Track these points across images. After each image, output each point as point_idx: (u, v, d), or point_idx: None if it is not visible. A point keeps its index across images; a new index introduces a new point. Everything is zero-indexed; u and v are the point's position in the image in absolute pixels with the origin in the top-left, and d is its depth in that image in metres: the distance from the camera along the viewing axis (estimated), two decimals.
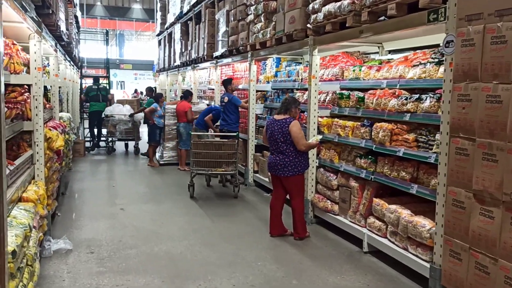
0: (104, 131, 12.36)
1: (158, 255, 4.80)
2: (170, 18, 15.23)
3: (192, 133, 7.53)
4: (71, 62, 11.43)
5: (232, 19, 8.80)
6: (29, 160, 4.78)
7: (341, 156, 5.60)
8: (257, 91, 8.40)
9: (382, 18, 4.59)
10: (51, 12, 4.94)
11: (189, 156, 7.68)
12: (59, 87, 8.98)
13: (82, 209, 6.52)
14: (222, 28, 9.41)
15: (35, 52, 4.84)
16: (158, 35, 18.55)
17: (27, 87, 4.92)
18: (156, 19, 18.57)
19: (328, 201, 5.71)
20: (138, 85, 33.86)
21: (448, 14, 3.64)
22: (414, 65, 4.69)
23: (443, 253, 3.67)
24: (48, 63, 8.11)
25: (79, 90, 12.83)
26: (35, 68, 4.84)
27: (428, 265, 3.92)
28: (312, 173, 5.97)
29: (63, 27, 6.58)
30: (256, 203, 7.06)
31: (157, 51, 19.74)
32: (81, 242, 5.10)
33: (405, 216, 4.33)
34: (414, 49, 5.51)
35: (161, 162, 10.32)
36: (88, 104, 12.67)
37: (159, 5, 17.85)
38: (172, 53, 15.13)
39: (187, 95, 10.16)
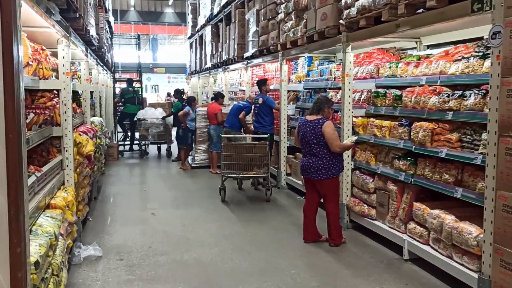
0: (136, 134, 12.42)
1: (188, 262, 4.66)
2: (201, 21, 15.22)
3: (222, 135, 7.37)
4: (104, 67, 11.52)
5: (262, 18, 8.62)
6: (59, 166, 4.73)
7: (378, 158, 5.32)
8: (288, 91, 8.19)
9: (420, 10, 4.32)
10: (78, 16, 4.89)
11: (221, 159, 7.53)
12: (91, 92, 9.05)
13: (114, 214, 6.48)
14: (252, 28, 9.25)
15: (63, 57, 4.79)
16: (189, 37, 18.60)
17: (56, 92, 4.90)
18: (188, 22, 18.62)
19: (365, 205, 5.44)
20: (171, 89, 34.19)
21: (495, 3, 3.34)
22: (456, 60, 4.38)
23: (493, 263, 3.37)
24: (79, 68, 8.17)
25: (112, 95, 12.92)
26: (64, 73, 4.80)
27: (475, 275, 3.61)
28: (347, 176, 5.71)
29: (92, 32, 6.56)
30: (289, 207, 6.85)
31: (188, 54, 19.80)
32: (111, 248, 5.02)
33: (449, 222, 4.03)
34: (455, 43, 5.18)
35: (193, 165, 10.25)
36: (121, 106, 12.73)
37: (190, 8, 17.89)
38: (203, 55, 15.10)
39: (218, 97, 10.06)
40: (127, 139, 13.02)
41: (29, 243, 2.67)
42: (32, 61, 4.38)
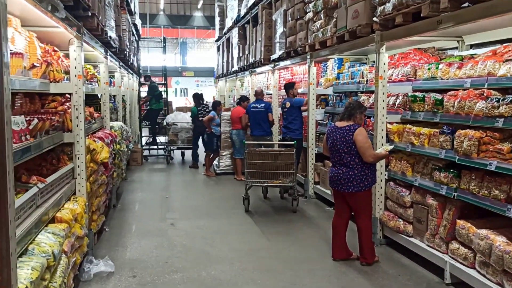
0: (162, 138, 12.17)
1: (206, 281, 4.28)
2: (228, 23, 14.93)
3: (246, 142, 6.98)
4: (129, 70, 11.33)
5: (289, 18, 8.21)
6: (69, 175, 4.44)
7: (415, 169, 4.82)
8: (317, 95, 7.75)
9: (466, 4, 3.83)
10: (91, 14, 4.59)
11: (244, 166, 7.14)
12: (114, 96, 8.83)
13: (131, 223, 6.18)
14: (280, 29, 8.85)
15: (75, 59, 4.51)
16: (217, 40, 18.35)
17: (69, 96, 4.62)
18: (215, 25, 18.39)
19: (400, 220, 4.95)
20: (199, 92, 34.14)
21: None
22: (506, 60, 3.86)
23: None
24: (99, 71, 7.95)
25: (137, 98, 12.73)
26: (75, 76, 4.51)
27: None
28: (381, 188, 5.23)
29: (111, 33, 6.29)
30: (317, 219, 6.40)
31: (215, 56, 19.57)
32: (125, 263, 4.69)
33: (500, 245, 3.52)
34: (501, 42, 4.66)
35: (217, 171, 9.89)
36: (152, 104, 12.46)
37: (217, 10, 17.65)
38: (230, 58, 14.80)
39: (243, 99, 9.68)
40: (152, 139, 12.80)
41: (16, 269, 2.34)
42: (41, 63, 4.10)
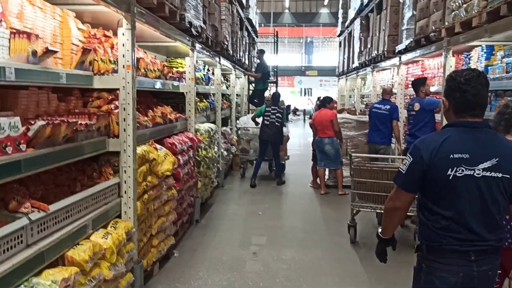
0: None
1: None
2: (351, 14, 13.41)
3: (351, 153, 5.45)
4: (237, 67, 10.44)
5: None
6: (112, 192, 3.48)
7: None
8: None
9: None
10: None
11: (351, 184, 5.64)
12: (212, 94, 7.94)
13: (207, 247, 5.10)
14: (408, 12, 7.16)
15: (123, 44, 3.52)
16: (339, 35, 16.85)
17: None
18: (338, 18, 16.90)
19: None
20: (323, 92, 32.74)
21: None
22: None
23: None
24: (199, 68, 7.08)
25: (246, 96, 11.80)
26: (123, 66, 3.52)
27: None
28: None
29: (194, 20, 5.28)
30: None
31: (337, 54, 18.07)
32: None
33: None
34: None
35: (329, 183, 8.39)
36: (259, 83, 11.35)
37: (341, 1, 16.18)
38: (351, 54, 13.26)
39: (328, 100, 8.05)
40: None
41: None
42: (71, 50, 3.17)
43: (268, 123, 8.39)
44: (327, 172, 8.40)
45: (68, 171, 3.45)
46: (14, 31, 2.55)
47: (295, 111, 33.05)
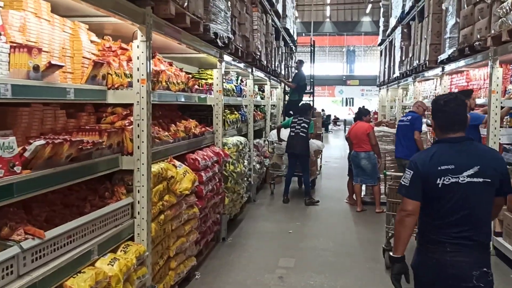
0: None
1: None
2: (392, 23, 12.97)
3: (387, 172, 5.06)
4: (271, 77, 10.19)
5: (465, 3, 6.06)
6: (124, 213, 3.29)
7: None
8: (507, 108, 5.46)
9: None
10: None
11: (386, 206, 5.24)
12: (245, 105, 7.74)
13: (231, 270, 4.84)
14: (451, 20, 6.72)
15: (138, 57, 3.34)
16: (380, 44, 16.36)
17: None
18: (379, 27, 16.41)
19: None
20: (365, 102, 32.04)
21: None
22: None
23: None
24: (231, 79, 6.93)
25: (281, 108, 11.49)
26: (138, 80, 3.34)
27: None
28: None
29: (222, 32, 5.08)
30: None
31: (378, 63, 17.55)
32: None
33: None
34: None
35: (366, 200, 7.96)
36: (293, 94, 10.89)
37: (382, 10, 15.73)
38: (391, 63, 12.79)
39: (364, 112, 7.64)
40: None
41: None
42: (81, 63, 3.01)
43: (293, 134, 8.01)
44: (363, 188, 7.98)
45: (78, 190, 3.30)
46: (15, 45, 2.41)
47: (336, 120, 32.46)
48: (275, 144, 9.02)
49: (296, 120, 8.11)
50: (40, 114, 2.78)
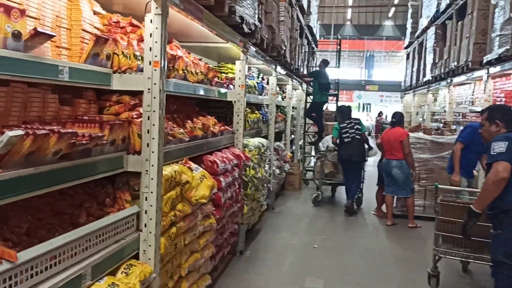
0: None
1: None
2: (423, 23, 12.21)
3: (438, 185, 4.34)
4: (293, 78, 9.54)
5: None
6: (129, 224, 2.66)
7: None
8: None
9: None
10: None
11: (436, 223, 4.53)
12: (266, 105, 7.11)
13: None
14: (501, 16, 6.01)
15: (150, 35, 2.71)
16: (406, 47, 15.62)
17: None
18: (407, 29, 15.65)
19: None
20: (383, 108, 31.15)
21: None
22: None
23: None
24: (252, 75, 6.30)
25: (303, 109, 10.79)
26: (150, 63, 2.71)
27: None
28: None
29: (248, 17, 4.46)
30: None
31: (404, 68, 16.78)
32: None
33: None
34: None
35: (396, 213, 7.23)
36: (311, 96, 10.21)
37: (410, 11, 14.98)
38: (421, 67, 12.04)
39: (400, 119, 6.88)
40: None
41: None
42: (84, 38, 2.41)
43: (349, 139, 7.37)
44: (395, 200, 7.26)
45: (72, 195, 2.68)
46: None
47: None
48: (331, 152, 8.10)
49: (345, 125, 7.48)
50: (23, 97, 2.17)
